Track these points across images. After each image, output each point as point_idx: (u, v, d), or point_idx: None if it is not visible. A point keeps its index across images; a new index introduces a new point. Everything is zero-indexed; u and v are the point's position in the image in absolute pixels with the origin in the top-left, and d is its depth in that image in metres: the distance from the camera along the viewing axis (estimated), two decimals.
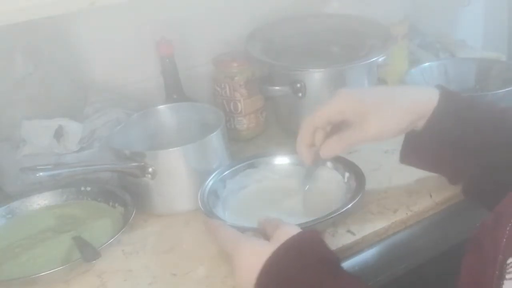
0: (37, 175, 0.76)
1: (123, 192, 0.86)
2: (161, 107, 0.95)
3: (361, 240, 0.76)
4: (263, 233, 0.68)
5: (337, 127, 0.72)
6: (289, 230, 0.63)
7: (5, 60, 0.92)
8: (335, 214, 0.74)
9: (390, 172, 0.87)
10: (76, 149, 0.90)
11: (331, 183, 0.84)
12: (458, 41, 1.32)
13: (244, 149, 1.01)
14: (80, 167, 0.83)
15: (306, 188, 0.81)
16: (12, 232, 0.83)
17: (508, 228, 0.47)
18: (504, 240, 0.47)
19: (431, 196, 0.82)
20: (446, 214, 0.83)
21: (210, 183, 0.83)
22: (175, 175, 0.83)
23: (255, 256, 0.62)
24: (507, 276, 0.45)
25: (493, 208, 0.60)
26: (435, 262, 0.84)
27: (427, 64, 1.15)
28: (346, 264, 0.75)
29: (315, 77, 0.97)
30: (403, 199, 0.82)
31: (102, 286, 0.73)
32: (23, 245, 0.80)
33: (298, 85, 0.95)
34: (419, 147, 0.72)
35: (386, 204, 0.81)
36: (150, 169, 0.81)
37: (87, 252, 0.74)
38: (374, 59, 0.96)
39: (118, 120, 0.94)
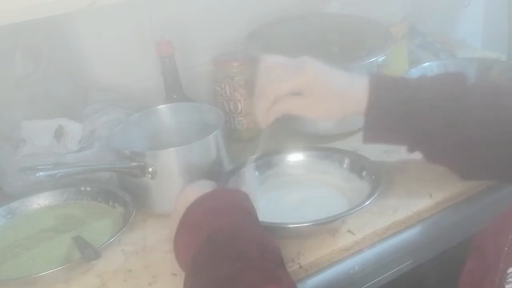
0: (37, 175, 0.76)
1: (123, 192, 0.85)
2: (161, 107, 0.95)
3: (361, 240, 0.76)
4: None
5: None
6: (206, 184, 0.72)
7: (5, 60, 0.92)
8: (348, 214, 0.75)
9: (390, 172, 0.87)
10: (76, 149, 0.90)
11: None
12: (458, 41, 1.33)
13: (244, 149, 1.01)
14: (80, 167, 0.83)
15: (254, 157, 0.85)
16: (12, 232, 0.83)
17: (510, 237, 0.47)
18: (506, 248, 0.46)
19: (431, 196, 0.82)
20: (446, 214, 0.83)
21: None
22: (175, 175, 0.83)
23: (190, 193, 0.69)
24: (507, 286, 0.45)
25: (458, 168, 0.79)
26: (435, 262, 0.84)
27: (427, 64, 1.15)
28: (346, 264, 0.75)
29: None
30: (403, 199, 0.82)
31: (102, 286, 0.73)
32: (23, 245, 0.80)
33: None
34: (372, 128, 0.77)
35: (386, 204, 0.81)
36: (150, 169, 0.81)
37: (87, 252, 0.74)
38: (374, 59, 0.96)
39: (118, 120, 0.94)
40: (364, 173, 0.83)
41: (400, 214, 0.79)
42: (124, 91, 1.05)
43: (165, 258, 0.76)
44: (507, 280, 0.45)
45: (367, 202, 0.74)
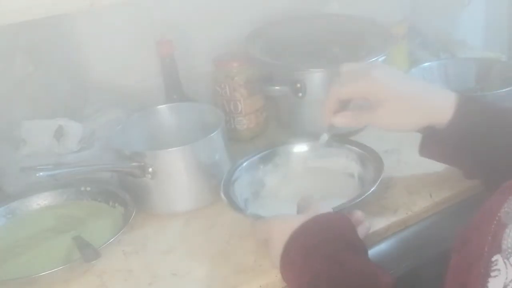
0: (37, 175, 0.76)
1: (123, 192, 0.85)
2: (161, 107, 0.95)
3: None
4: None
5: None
6: (320, 208, 0.68)
7: (5, 60, 0.92)
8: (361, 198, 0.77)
9: (390, 172, 0.87)
10: (76, 149, 0.90)
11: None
12: (458, 41, 1.32)
13: (244, 149, 1.01)
14: (80, 167, 0.83)
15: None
16: (12, 232, 0.83)
17: (493, 226, 0.47)
18: (490, 237, 0.46)
19: (431, 196, 0.82)
20: (446, 214, 0.83)
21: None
22: (175, 175, 0.83)
23: (285, 226, 0.66)
24: (492, 274, 0.44)
25: None
26: (435, 262, 0.84)
27: (427, 64, 1.15)
28: None
29: (315, 77, 0.97)
30: (403, 199, 0.82)
31: (102, 286, 0.73)
32: (23, 245, 0.80)
33: (298, 85, 0.95)
34: (438, 143, 0.74)
35: (386, 204, 0.81)
36: (150, 169, 0.81)
37: (87, 252, 0.74)
38: (374, 59, 0.96)
39: (118, 120, 0.94)
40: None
41: (400, 214, 0.79)
42: (124, 91, 1.05)
43: (165, 258, 0.76)
44: (492, 268, 0.45)
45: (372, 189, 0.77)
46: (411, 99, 0.72)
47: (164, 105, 0.96)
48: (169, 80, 1.00)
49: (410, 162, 0.89)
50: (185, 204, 0.85)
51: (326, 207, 0.70)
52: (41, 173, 0.76)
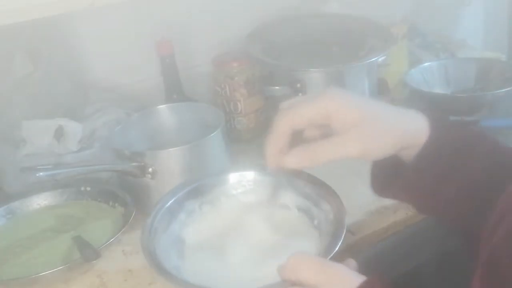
0: (37, 175, 0.76)
1: (123, 192, 0.85)
2: (161, 107, 0.95)
3: (361, 240, 0.76)
4: (294, 280, 0.53)
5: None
6: (347, 277, 0.53)
7: (5, 60, 0.92)
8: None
9: None
10: (76, 149, 0.90)
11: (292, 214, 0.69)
12: (458, 41, 1.32)
13: (244, 149, 1.01)
14: (80, 167, 0.83)
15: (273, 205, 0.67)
16: (12, 232, 0.83)
17: None
18: None
19: None
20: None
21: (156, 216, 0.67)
22: (175, 175, 0.83)
23: None
24: None
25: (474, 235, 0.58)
26: (435, 262, 0.84)
27: (427, 64, 1.15)
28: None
29: (315, 77, 0.97)
30: None
31: (102, 286, 0.73)
32: (23, 245, 0.80)
33: (298, 85, 0.95)
34: (401, 179, 0.61)
35: (386, 204, 0.81)
36: (150, 169, 0.81)
37: (87, 252, 0.74)
38: (374, 59, 0.96)
39: (118, 120, 0.94)
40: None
41: (400, 214, 0.79)
42: (124, 91, 1.05)
43: None
44: None
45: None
46: (384, 119, 0.57)
47: (164, 105, 0.96)
48: (169, 80, 1.00)
49: None
50: None
51: (347, 272, 0.53)
52: (41, 173, 0.76)
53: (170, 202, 0.69)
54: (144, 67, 1.08)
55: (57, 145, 0.90)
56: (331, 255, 0.57)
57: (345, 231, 0.60)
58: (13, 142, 0.91)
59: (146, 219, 0.66)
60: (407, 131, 0.58)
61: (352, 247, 0.75)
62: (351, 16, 1.12)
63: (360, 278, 0.52)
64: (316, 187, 0.67)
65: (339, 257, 0.61)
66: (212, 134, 0.84)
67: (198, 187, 0.71)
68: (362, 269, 0.70)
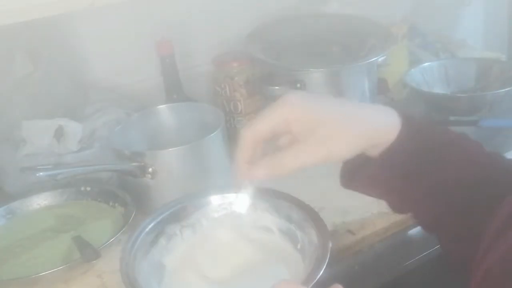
0: (37, 175, 0.76)
1: (123, 192, 0.86)
2: (161, 107, 0.95)
3: (361, 240, 0.76)
4: None
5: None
6: None
7: (5, 60, 0.92)
8: None
9: None
10: (76, 149, 0.90)
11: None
12: (458, 41, 1.32)
13: None
14: (80, 167, 0.83)
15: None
16: (12, 232, 0.83)
17: None
18: None
19: None
20: None
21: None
22: (175, 175, 0.83)
23: None
24: None
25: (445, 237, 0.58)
26: (435, 262, 0.84)
27: (427, 64, 1.15)
28: (346, 264, 0.75)
29: (315, 77, 0.97)
30: None
31: (102, 286, 0.73)
32: (23, 245, 0.80)
33: (298, 85, 0.95)
34: (367, 173, 0.60)
35: (386, 204, 0.81)
36: (150, 169, 0.81)
37: (87, 252, 0.74)
38: (374, 59, 0.96)
39: (118, 120, 0.94)
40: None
41: (400, 214, 0.79)
42: (124, 91, 1.05)
43: None
44: None
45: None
46: (346, 119, 0.56)
47: (164, 105, 0.96)
48: (169, 80, 1.00)
49: None
50: None
51: None
52: (41, 173, 0.76)
53: (150, 226, 0.66)
54: (144, 67, 1.08)
55: (57, 145, 0.90)
56: (314, 282, 0.55)
57: (328, 256, 0.57)
58: (13, 142, 0.91)
59: (125, 244, 0.64)
60: (375, 129, 0.57)
61: (352, 247, 0.75)
62: (351, 16, 1.12)
63: None
64: (300, 210, 0.65)
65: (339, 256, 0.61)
66: (212, 134, 0.84)
67: (178, 210, 0.68)
68: (361, 269, 0.70)
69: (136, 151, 0.83)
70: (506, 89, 1.01)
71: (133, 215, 0.80)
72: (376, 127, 0.57)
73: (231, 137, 0.97)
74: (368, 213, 0.79)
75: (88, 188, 0.89)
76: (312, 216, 0.63)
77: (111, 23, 1.01)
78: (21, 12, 0.65)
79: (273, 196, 0.66)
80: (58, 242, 0.79)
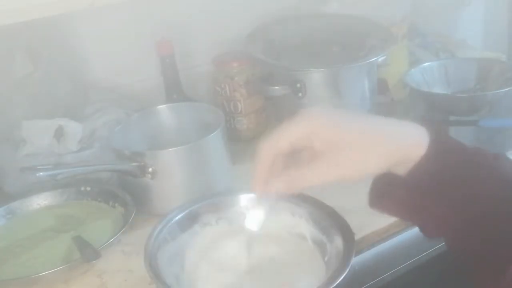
0: (37, 175, 0.76)
1: (123, 192, 0.86)
2: (161, 107, 0.95)
3: (361, 240, 0.76)
4: None
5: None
6: None
7: (5, 60, 0.92)
8: None
9: None
10: (76, 149, 0.90)
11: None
12: (458, 41, 1.32)
13: (244, 149, 1.01)
14: (80, 167, 0.83)
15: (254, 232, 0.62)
16: (12, 232, 0.83)
17: None
18: None
19: None
20: None
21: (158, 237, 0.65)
22: (175, 175, 0.83)
23: None
24: None
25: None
26: (435, 262, 0.84)
27: (427, 64, 1.15)
28: None
29: (315, 77, 0.97)
30: None
31: (102, 286, 0.73)
32: (23, 245, 0.80)
33: (298, 85, 0.95)
34: (395, 195, 0.57)
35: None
36: (150, 169, 0.81)
37: (87, 252, 0.74)
38: (374, 59, 0.96)
39: (118, 120, 0.94)
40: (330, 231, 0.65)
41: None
42: (124, 91, 1.05)
43: None
44: None
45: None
46: (374, 135, 0.54)
47: (164, 105, 0.96)
48: (169, 80, 1.00)
49: None
50: None
51: None
52: (41, 173, 0.76)
53: (183, 213, 0.68)
54: (144, 67, 1.08)
55: (57, 145, 0.90)
56: None
57: (345, 273, 0.58)
58: (13, 142, 0.91)
59: (154, 227, 0.65)
60: (402, 145, 0.54)
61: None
62: (351, 16, 1.12)
63: None
64: (333, 220, 0.65)
65: None
66: (212, 134, 0.84)
67: (217, 202, 0.70)
68: (361, 269, 0.69)
69: (136, 151, 0.83)
70: (506, 89, 1.01)
71: (133, 215, 0.80)
72: (402, 143, 0.54)
73: (231, 137, 0.97)
74: (368, 213, 0.79)
75: (88, 188, 0.89)
76: (343, 228, 0.64)
77: (111, 23, 1.01)
78: (21, 12, 0.65)
79: (311, 203, 0.66)
80: (58, 242, 0.79)
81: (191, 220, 0.67)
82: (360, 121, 0.55)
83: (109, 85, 1.05)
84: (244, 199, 0.69)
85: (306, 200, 0.66)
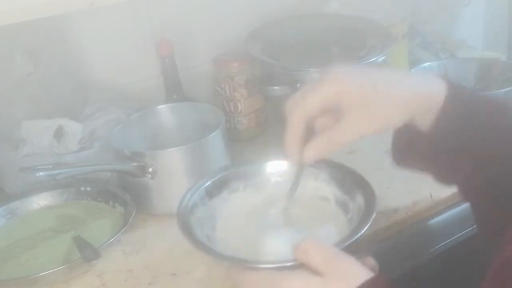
0: (37, 175, 0.76)
1: (123, 192, 0.86)
2: (161, 107, 0.95)
3: (361, 240, 0.76)
4: (303, 261, 0.53)
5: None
6: (355, 271, 0.53)
7: (5, 60, 0.92)
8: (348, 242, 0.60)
9: (390, 172, 0.87)
10: (76, 149, 0.90)
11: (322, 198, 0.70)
12: (458, 41, 1.33)
13: (244, 149, 1.01)
14: (80, 167, 0.83)
15: (291, 196, 0.67)
16: (12, 232, 0.83)
17: None
18: None
19: (431, 196, 0.82)
20: (446, 214, 0.83)
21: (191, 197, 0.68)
22: (175, 175, 0.83)
23: None
24: None
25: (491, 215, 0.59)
26: (435, 262, 0.85)
27: (427, 64, 1.15)
28: None
29: (315, 77, 0.97)
30: (403, 199, 0.82)
31: (102, 286, 0.73)
32: (23, 245, 0.80)
33: (298, 85, 0.95)
34: (417, 149, 0.60)
35: (386, 204, 0.81)
36: (150, 169, 0.81)
37: (87, 252, 0.74)
38: (374, 59, 0.96)
39: (118, 120, 0.94)
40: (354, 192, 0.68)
41: (400, 214, 0.79)
42: (124, 91, 1.05)
43: (165, 258, 0.76)
44: None
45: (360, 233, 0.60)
46: (396, 85, 0.56)
47: (164, 105, 0.96)
48: (169, 80, 1.00)
49: None
50: None
51: (354, 264, 0.54)
52: (41, 173, 0.76)
53: (212, 180, 0.70)
54: (144, 67, 1.08)
55: (57, 145, 0.90)
56: (344, 245, 0.58)
57: (367, 227, 0.60)
58: (13, 142, 0.91)
59: (185, 193, 0.67)
60: (422, 93, 0.56)
61: (352, 247, 0.75)
62: (351, 16, 1.12)
63: (367, 275, 0.52)
64: (353, 179, 0.68)
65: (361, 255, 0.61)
66: (212, 134, 0.84)
67: (244, 170, 0.73)
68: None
69: (136, 151, 0.83)
70: (506, 89, 1.01)
71: (133, 215, 0.80)
72: (423, 91, 0.56)
73: (231, 137, 0.97)
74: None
75: (88, 188, 0.89)
76: (365, 187, 0.66)
77: (111, 23, 1.01)
78: (21, 12, 0.65)
79: (332, 166, 0.69)
80: (58, 242, 0.79)
81: (219, 187, 0.70)
82: (381, 74, 0.58)
83: (109, 85, 1.05)
84: (270, 166, 0.72)
85: (327, 163, 0.69)
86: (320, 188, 0.71)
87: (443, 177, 0.63)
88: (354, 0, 1.16)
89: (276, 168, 0.72)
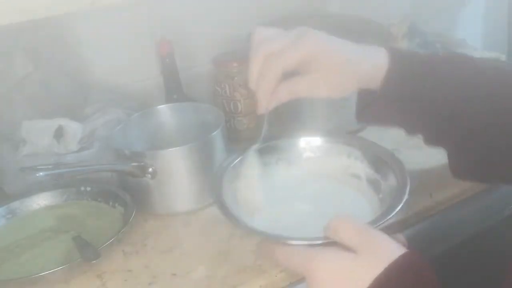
0: (37, 175, 0.76)
1: (123, 192, 0.86)
2: (161, 107, 0.95)
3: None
4: (335, 239, 0.55)
5: None
6: (387, 246, 0.53)
7: (5, 60, 0.92)
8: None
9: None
10: (76, 149, 0.90)
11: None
12: (458, 41, 1.32)
13: (244, 149, 1.01)
14: (80, 167, 0.83)
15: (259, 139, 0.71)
16: (12, 232, 0.83)
17: None
18: None
19: (431, 196, 0.82)
20: (446, 214, 0.83)
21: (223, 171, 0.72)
22: (175, 175, 0.83)
23: (343, 277, 0.51)
24: None
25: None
26: (435, 262, 0.84)
27: None
28: None
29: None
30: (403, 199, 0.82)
31: (102, 286, 0.73)
32: (23, 245, 0.80)
33: None
34: (375, 105, 0.67)
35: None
36: (150, 169, 0.81)
37: (87, 252, 0.74)
38: None
39: (118, 120, 0.94)
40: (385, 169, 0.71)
41: (400, 214, 0.79)
42: (124, 91, 1.05)
43: (165, 258, 0.76)
44: None
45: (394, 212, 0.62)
46: (344, 57, 0.65)
47: (164, 105, 0.96)
48: (169, 80, 1.00)
49: (410, 162, 0.89)
50: (185, 204, 0.85)
51: (389, 241, 0.54)
52: (41, 173, 0.76)
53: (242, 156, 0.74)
54: (144, 67, 1.08)
55: (57, 145, 0.90)
56: (378, 224, 0.60)
57: (400, 206, 0.63)
58: (13, 142, 0.91)
59: (218, 167, 0.73)
60: (369, 66, 0.65)
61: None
62: (351, 16, 1.12)
63: (400, 251, 0.53)
64: (386, 159, 0.72)
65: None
66: (212, 134, 0.84)
67: (277, 145, 0.78)
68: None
69: (136, 151, 0.83)
70: None
71: (133, 215, 0.80)
72: (369, 64, 0.66)
73: (231, 137, 0.97)
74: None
75: (88, 188, 0.89)
76: (396, 167, 0.70)
77: (111, 23, 1.01)
78: (22, 12, 0.65)
79: (365, 145, 0.74)
80: (58, 242, 0.79)
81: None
82: (345, 49, 0.66)
83: (109, 85, 1.05)
84: (302, 142, 0.78)
85: (360, 142, 0.74)
86: (352, 165, 0.74)
87: (408, 129, 0.70)
88: (354, 0, 1.16)
89: (309, 144, 0.78)
